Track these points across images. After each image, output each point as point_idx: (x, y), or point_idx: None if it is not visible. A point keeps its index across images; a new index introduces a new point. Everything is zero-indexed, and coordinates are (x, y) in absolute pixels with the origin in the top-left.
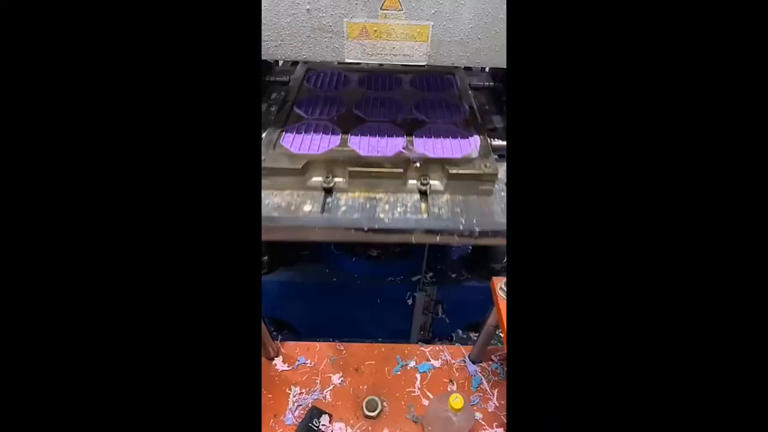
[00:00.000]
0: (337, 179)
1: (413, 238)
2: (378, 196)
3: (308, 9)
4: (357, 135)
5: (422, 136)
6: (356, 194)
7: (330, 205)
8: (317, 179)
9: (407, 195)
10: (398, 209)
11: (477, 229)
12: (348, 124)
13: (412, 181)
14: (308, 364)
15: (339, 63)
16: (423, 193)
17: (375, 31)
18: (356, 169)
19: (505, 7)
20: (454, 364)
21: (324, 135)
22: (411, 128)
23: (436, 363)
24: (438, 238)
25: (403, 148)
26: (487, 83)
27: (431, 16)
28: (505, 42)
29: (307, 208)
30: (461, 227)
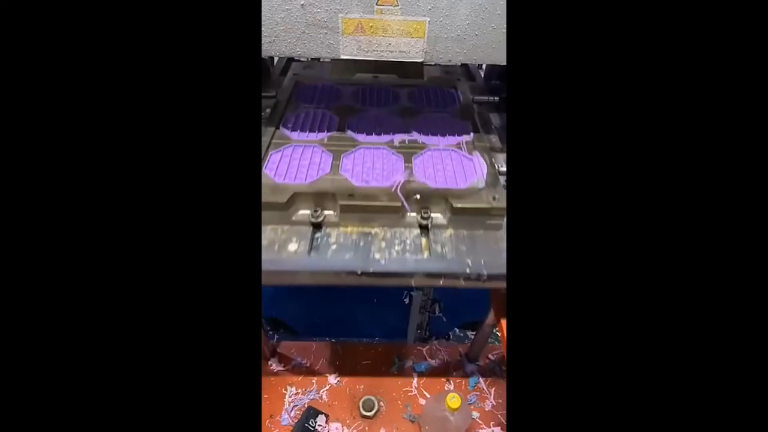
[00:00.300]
0: (327, 212)
1: (413, 282)
2: (373, 231)
3: (302, 4)
4: (350, 160)
5: (422, 162)
6: (349, 229)
7: (319, 241)
8: (304, 212)
9: (406, 230)
10: (396, 247)
11: (485, 272)
12: (340, 146)
13: (411, 214)
14: (304, 364)
15: (332, 63)
16: (424, 228)
17: (371, 27)
18: (349, 203)
19: (503, 2)
20: (451, 363)
21: (313, 160)
22: (410, 152)
23: (433, 362)
24: (441, 282)
25: (401, 187)
26: (491, 98)
27: (428, 11)
28: (502, 38)
29: (292, 247)
30: (468, 270)
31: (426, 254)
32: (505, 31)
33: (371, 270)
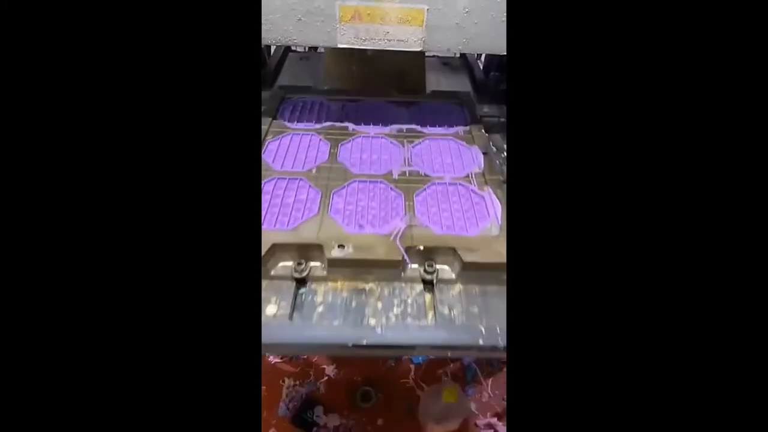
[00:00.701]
0: (313, 263)
1: (416, 352)
2: (368, 287)
3: None
4: (341, 197)
5: (425, 199)
6: (338, 284)
7: (303, 298)
8: (286, 264)
9: (407, 285)
10: (395, 309)
11: (502, 343)
12: (330, 179)
13: (413, 266)
14: (302, 356)
15: (325, 71)
16: (428, 283)
17: (368, 14)
18: (338, 257)
19: None
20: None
21: (298, 197)
22: (411, 186)
23: (431, 354)
24: (450, 354)
25: (401, 235)
26: (502, 118)
27: None
28: (502, 27)
29: (271, 310)
30: (480, 341)
31: (430, 317)
32: (504, 19)
33: (364, 342)
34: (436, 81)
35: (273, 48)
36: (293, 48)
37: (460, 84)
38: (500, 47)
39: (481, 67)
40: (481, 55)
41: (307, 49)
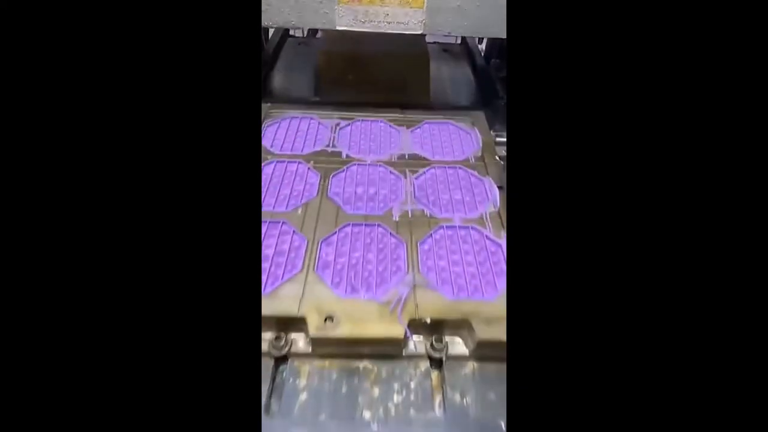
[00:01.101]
0: (294, 335)
1: None
2: (362, 366)
3: None
4: (332, 247)
5: (432, 248)
6: (326, 363)
7: (283, 378)
8: (263, 337)
9: (409, 364)
10: (395, 397)
11: None
12: (318, 224)
13: (417, 337)
14: None
15: (319, 78)
16: (435, 361)
17: None
18: (322, 335)
19: None
20: None
21: (279, 247)
22: (414, 230)
23: None
24: None
25: (402, 305)
26: None
27: None
28: (504, 11)
29: None
30: None
31: (438, 403)
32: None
33: None
34: (436, 68)
35: (271, 32)
36: (292, 33)
37: (461, 72)
38: (503, 31)
39: (482, 55)
40: (482, 41)
41: (305, 33)
